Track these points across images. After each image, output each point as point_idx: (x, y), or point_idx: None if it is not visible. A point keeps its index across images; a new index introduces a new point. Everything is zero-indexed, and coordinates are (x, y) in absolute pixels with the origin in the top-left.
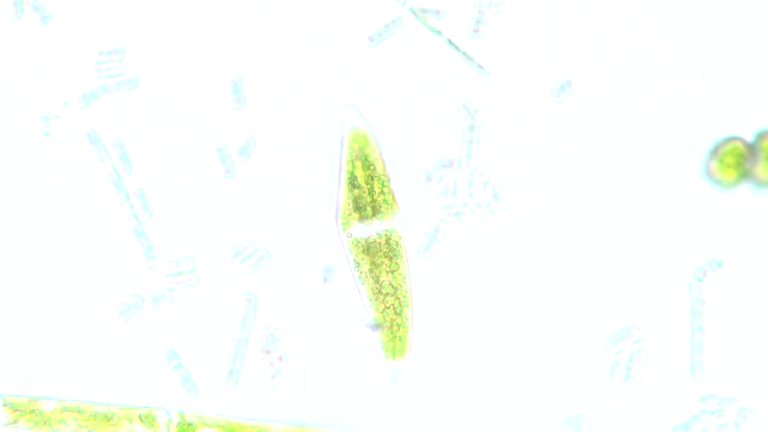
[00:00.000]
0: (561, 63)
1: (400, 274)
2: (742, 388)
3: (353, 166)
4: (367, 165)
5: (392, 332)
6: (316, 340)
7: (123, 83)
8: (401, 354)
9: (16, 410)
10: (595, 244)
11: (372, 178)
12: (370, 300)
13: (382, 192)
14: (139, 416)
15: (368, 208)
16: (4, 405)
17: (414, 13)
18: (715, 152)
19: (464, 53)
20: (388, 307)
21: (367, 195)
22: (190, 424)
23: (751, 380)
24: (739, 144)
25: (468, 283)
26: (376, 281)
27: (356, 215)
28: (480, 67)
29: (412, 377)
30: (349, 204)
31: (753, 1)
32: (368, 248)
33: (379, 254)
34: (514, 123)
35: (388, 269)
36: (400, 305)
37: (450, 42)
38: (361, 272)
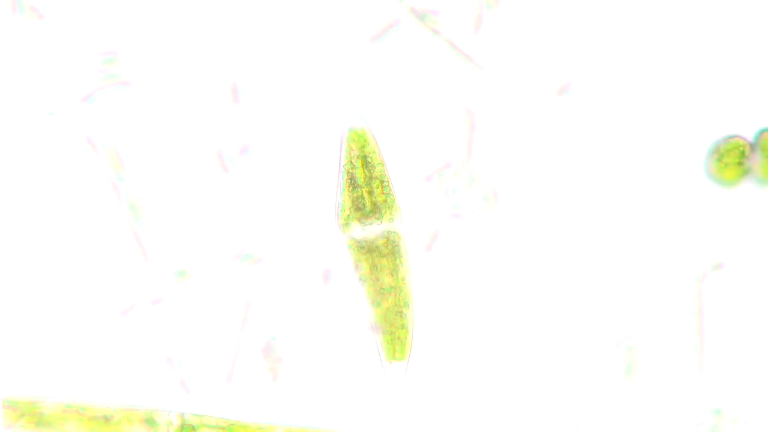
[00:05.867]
0: (561, 62)
1: (400, 274)
2: (743, 389)
3: (353, 166)
4: (367, 165)
5: (393, 333)
6: (315, 340)
7: (120, 83)
8: (402, 355)
9: (16, 411)
10: (596, 243)
11: (372, 178)
12: (370, 300)
13: (382, 192)
14: (140, 417)
15: (368, 209)
16: (5, 406)
17: (414, 13)
18: (715, 151)
19: (464, 53)
20: (389, 308)
21: (367, 195)
22: (190, 425)
23: (753, 381)
24: (739, 142)
25: (468, 283)
26: (377, 281)
27: (356, 215)
28: (480, 66)
29: (412, 377)
30: (348, 204)
31: (753, 1)
32: (368, 248)
33: (379, 254)
34: (514, 123)
35: (388, 269)
36: (401, 305)
37: (449, 42)
38: (361, 273)
